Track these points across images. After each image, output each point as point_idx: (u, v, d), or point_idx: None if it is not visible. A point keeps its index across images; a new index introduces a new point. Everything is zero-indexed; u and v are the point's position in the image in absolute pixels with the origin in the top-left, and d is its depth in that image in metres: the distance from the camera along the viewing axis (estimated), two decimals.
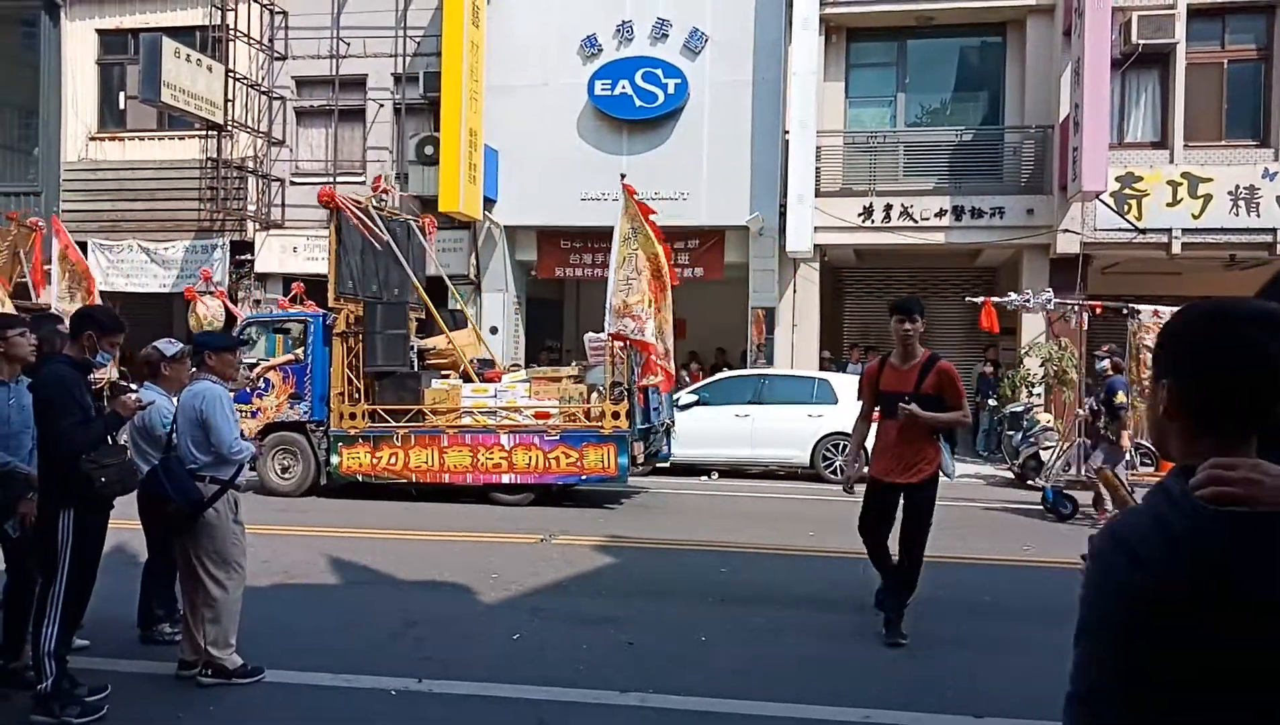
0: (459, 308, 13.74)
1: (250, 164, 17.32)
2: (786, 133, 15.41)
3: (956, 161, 15.66)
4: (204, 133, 17.17)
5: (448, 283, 13.66)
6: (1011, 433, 13.02)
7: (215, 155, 17.19)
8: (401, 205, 16.07)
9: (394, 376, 10.99)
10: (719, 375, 14.76)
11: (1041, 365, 13.95)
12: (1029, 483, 12.08)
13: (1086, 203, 14.40)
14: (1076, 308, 12.60)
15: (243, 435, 5.04)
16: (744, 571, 7.52)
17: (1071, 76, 14.22)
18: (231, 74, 16.86)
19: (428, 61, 16.65)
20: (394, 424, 10.65)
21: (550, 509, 10.31)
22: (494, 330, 16.57)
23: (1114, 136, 14.37)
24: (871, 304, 17.76)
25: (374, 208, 11.25)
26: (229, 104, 16.76)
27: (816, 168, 15.30)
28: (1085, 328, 12.76)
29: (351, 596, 6.72)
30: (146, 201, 17.79)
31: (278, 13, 17.53)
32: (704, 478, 13.13)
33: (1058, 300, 12.65)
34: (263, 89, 17.51)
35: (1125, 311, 11.82)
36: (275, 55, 17.62)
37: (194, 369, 5.22)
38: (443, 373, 11.55)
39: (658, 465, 12.18)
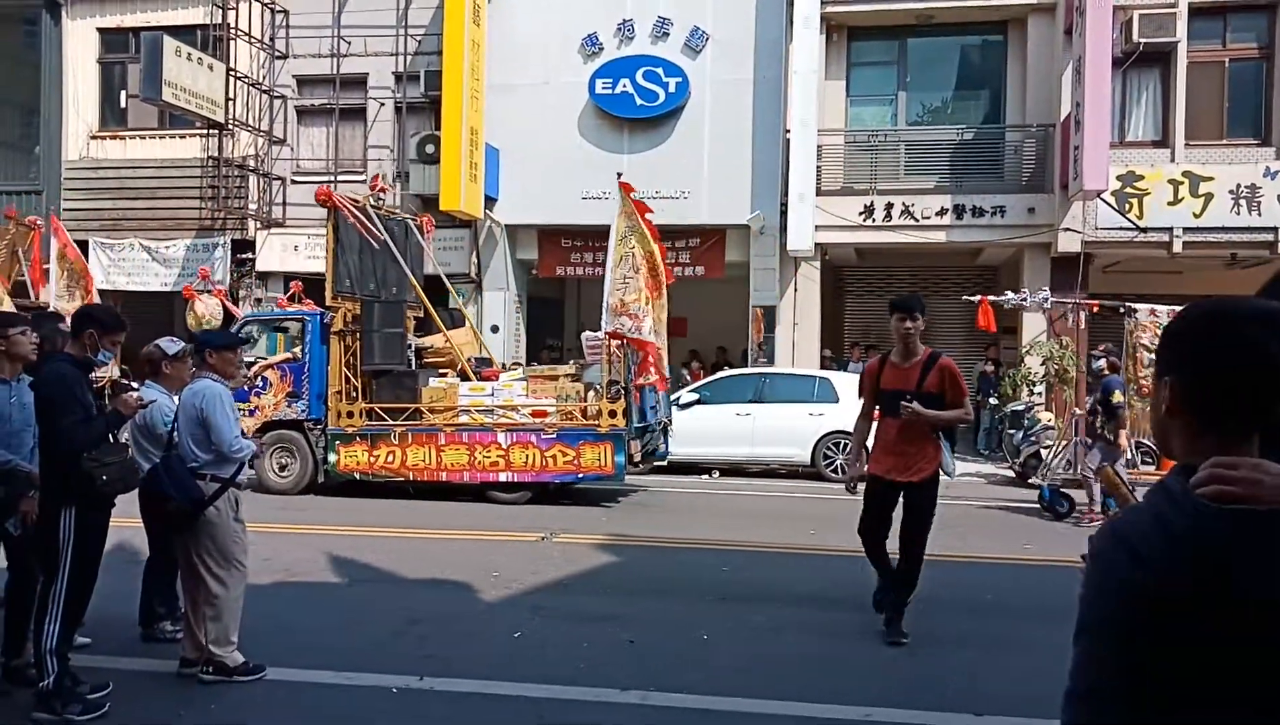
0: (457, 307, 13.74)
1: (251, 163, 17.33)
2: (787, 131, 15.41)
3: (957, 160, 15.66)
4: (205, 131, 17.17)
5: (446, 283, 13.66)
6: (1012, 431, 13.03)
7: (216, 154, 17.19)
8: (403, 204, 16.10)
9: (391, 375, 11.01)
10: (720, 374, 14.77)
11: (1043, 364, 13.96)
12: (1030, 481, 12.08)
13: (1088, 201, 14.39)
14: (1074, 306, 12.61)
15: (243, 433, 5.05)
16: (745, 570, 7.52)
17: (1073, 75, 14.21)
18: (232, 73, 16.87)
19: (429, 60, 16.65)
20: (391, 422, 10.66)
21: (548, 507, 10.32)
22: (495, 329, 16.58)
23: (1115, 135, 14.36)
24: (872, 303, 17.76)
25: (372, 206, 11.25)
26: (230, 103, 16.77)
27: (817, 166, 15.29)
28: (1082, 326, 12.76)
29: (353, 594, 6.72)
30: (148, 200, 17.80)
31: (279, 11, 17.53)
32: (705, 476, 13.13)
33: (1054, 299, 12.64)
34: (264, 88, 17.51)
35: (1121, 310, 11.82)
36: (276, 54, 17.62)
37: (194, 368, 5.23)
38: (440, 371, 11.56)
39: (656, 463, 12.18)
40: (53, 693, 4.30)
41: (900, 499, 5.63)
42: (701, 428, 12.94)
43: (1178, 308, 10.81)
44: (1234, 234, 14.26)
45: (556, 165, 16.10)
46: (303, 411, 11.13)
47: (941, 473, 5.64)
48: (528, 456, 10.40)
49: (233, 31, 16.98)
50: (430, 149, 15.64)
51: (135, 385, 5.91)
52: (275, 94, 17.62)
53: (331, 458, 10.82)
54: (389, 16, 17.05)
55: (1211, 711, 1.20)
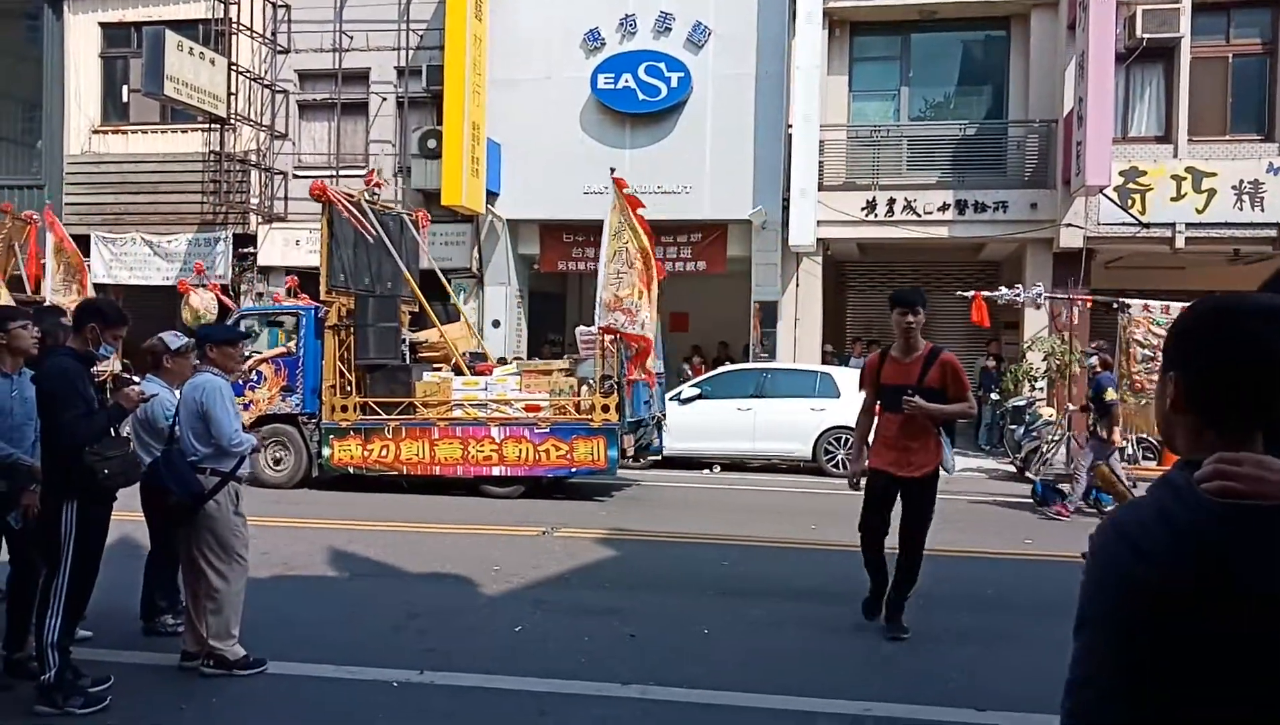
0: (453, 304, 13.73)
1: (253, 157, 17.33)
2: (790, 126, 15.39)
3: (960, 155, 15.63)
4: (207, 126, 17.16)
5: (441, 278, 13.64)
6: (1014, 427, 13.04)
7: (218, 148, 17.19)
8: (404, 199, 16.10)
9: (385, 369, 11.02)
10: (721, 369, 14.77)
11: (1044, 359, 13.95)
12: (1027, 475, 12.10)
13: (1090, 197, 14.37)
14: (1068, 301, 12.59)
15: (244, 427, 5.05)
16: (746, 564, 7.52)
17: (1076, 70, 14.18)
18: (234, 67, 16.86)
19: (430, 55, 16.62)
20: (385, 417, 10.68)
21: (541, 502, 10.35)
22: (496, 324, 16.59)
23: (1118, 131, 14.34)
24: (874, 298, 17.74)
25: (367, 201, 11.24)
26: (232, 97, 16.76)
27: (820, 162, 15.25)
28: (1075, 322, 12.75)
29: (353, 588, 6.73)
30: (149, 194, 17.80)
31: (280, 6, 17.51)
32: (706, 471, 13.13)
33: (1048, 295, 12.63)
34: (265, 82, 17.50)
35: (1115, 306, 11.81)
36: (278, 49, 17.60)
37: (196, 362, 5.23)
38: (434, 366, 11.57)
39: (652, 458, 12.19)
40: (54, 686, 4.31)
41: (899, 494, 5.61)
42: (703, 422, 12.95)
43: (1173, 303, 10.76)
44: (1237, 230, 14.23)
45: (558, 160, 16.08)
46: (297, 405, 11.13)
47: (941, 469, 5.63)
48: (521, 451, 10.41)
49: (234, 26, 16.96)
50: (432, 144, 15.63)
51: (137, 379, 5.91)
52: (277, 89, 17.60)
53: (325, 452, 10.84)
54: (391, 11, 17.03)
55: (1211, 707, 1.19)
